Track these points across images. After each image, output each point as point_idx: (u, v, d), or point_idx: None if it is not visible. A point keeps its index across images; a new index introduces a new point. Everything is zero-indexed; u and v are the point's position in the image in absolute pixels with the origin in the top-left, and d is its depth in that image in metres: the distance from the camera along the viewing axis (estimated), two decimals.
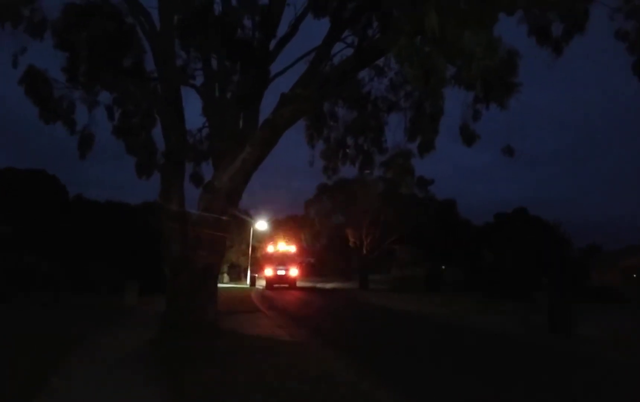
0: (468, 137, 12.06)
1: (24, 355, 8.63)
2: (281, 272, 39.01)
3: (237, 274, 51.67)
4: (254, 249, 50.00)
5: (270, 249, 42.52)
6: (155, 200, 14.74)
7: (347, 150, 15.21)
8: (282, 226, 54.22)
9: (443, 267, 42.96)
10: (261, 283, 42.00)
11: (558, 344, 12.28)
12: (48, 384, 6.74)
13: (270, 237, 50.62)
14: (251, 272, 45.60)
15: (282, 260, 39.99)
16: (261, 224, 50.09)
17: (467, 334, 14.23)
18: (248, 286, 41.46)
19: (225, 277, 48.20)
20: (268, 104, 11.84)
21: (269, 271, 39.61)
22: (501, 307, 22.20)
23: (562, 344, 12.27)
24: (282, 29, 12.39)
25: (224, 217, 11.10)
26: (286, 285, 38.59)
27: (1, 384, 6.78)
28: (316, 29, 12.72)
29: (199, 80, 13.97)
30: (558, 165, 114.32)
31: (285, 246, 42.09)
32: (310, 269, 59.29)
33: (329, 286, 44.47)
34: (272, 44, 12.29)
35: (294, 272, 39.57)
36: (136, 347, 9.74)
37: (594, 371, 9.59)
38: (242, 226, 47.07)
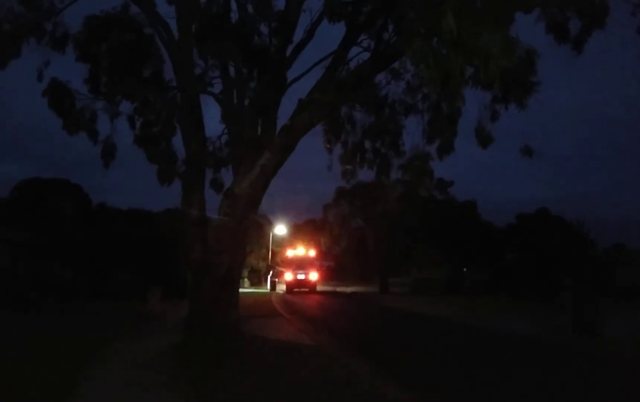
0: (483, 139, 11.96)
1: (53, 360, 8.84)
2: (301, 277, 39.11)
3: (257, 279, 51.94)
4: (273, 253, 50.19)
5: (289, 253, 42.68)
6: (176, 206, 14.94)
7: (365, 154, 15.19)
8: (301, 230, 54.33)
9: (464, 269, 42.51)
10: (281, 287, 42.15)
11: (584, 346, 12.08)
12: (75, 388, 6.88)
13: (289, 241, 50.79)
14: (271, 277, 45.78)
15: (301, 264, 40.09)
16: (280, 229, 50.28)
17: (493, 337, 14.07)
18: (268, 291, 41.64)
19: (246, 281, 48.48)
20: (286, 110, 11.93)
21: (288, 276, 39.74)
22: (526, 309, 21.91)
23: (588, 346, 12.06)
24: (298, 35, 12.48)
25: (244, 223, 11.20)
26: (306, 289, 38.65)
27: (31, 387, 6.96)
28: (332, 34, 12.77)
29: (217, 88, 14.13)
30: (581, 163, 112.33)
31: (304, 250, 42.18)
32: (330, 273, 59.27)
33: (349, 289, 44.39)
34: (289, 50, 12.36)
35: (313, 276, 39.65)
36: (160, 352, 9.88)
37: (624, 374, 9.42)
38: (262, 230, 47.33)
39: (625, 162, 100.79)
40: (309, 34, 12.51)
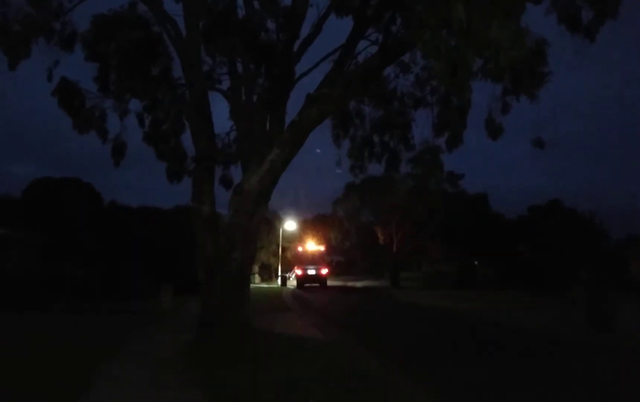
0: (494, 130, 11.83)
1: (68, 359, 8.92)
2: (311, 272, 39.23)
3: (268, 274, 52.15)
4: (284, 249, 50.32)
5: (300, 248, 42.83)
6: (186, 204, 15.00)
7: (374, 149, 15.12)
8: (311, 225, 54.43)
9: (476, 262, 42.32)
10: (292, 283, 42.29)
11: (601, 341, 11.94)
12: (91, 386, 6.93)
13: (299, 237, 50.90)
14: (282, 272, 45.93)
15: (312, 259, 40.18)
16: (290, 224, 50.40)
17: (511, 332, 13.89)
18: (279, 286, 41.77)
19: (257, 277, 48.71)
20: (294, 105, 11.90)
21: (299, 271, 39.92)
22: (540, 303, 21.74)
23: (604, 341, 11.92)
24: (305, 30, 12.43)
25: (254, 219, 11.21)
26: (317, 284, 38.77)
27: (48, 386, 7.03)
28: (340, 28, 12.71)
29: (225, 85, 14.14)
30: (593, 154, 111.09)
31: (314, 246, 42.29)
32: (341, 268, 59.31)
33: (359, 284, 44.39)
34: (296, 45, 12.32)
35: (324, 271, 39.76)
36: (174, 349, 9.93)
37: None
38: (272, 226, 47.47)
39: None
40: (317, 29, 12.45)
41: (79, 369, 8.04)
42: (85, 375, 7.46)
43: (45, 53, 12.55)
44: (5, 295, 18.04)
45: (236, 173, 15.66)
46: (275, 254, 50.43)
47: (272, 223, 46.81)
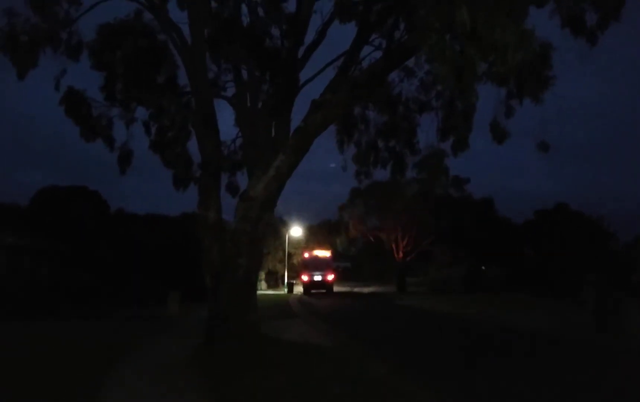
0: (499, 134, 11.81)
1: (77, 365, 8.96)
2: (318, 278, 39.17)
3: (274, 281, 52.08)
4: (290, 255, 50.25)
5: (306, 255, 42.78)
6: (193, 211, 15.06)
7: (379, 154, 15.13)
8: (317, 231, 54.36)
9: (483, 267, 42.11)
10: (299, 289, 42.23)
11: (610, 344, 11.87)
12: (99, 391, 6.96)
13: (305, 243, 50.83)
14: (288, 279, 45.83)
15: (318, 265, 40.13)
16: (296, 231, 50.36)
17: (520, 336, 13.82)
18: (286, 293, 41.70)
19: (263, 284, 48.65)
20: (299, 111, 11.94)
21: (305, 277, 39.87)
22: (548, 306, 21.59)
23: (613, 344, 11.84)
24: (309, 36, 12.49)
25: (260, 225, 11.22)
26: (323, 290, 38.68)
27: (58, 391, 7.06)
28: (344, 34, 12.76)
29: (231, 92, 14.23)
30: (600, 157, 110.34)
31: (320, 252, 42.22)
32: (347, 274, 59.15)
33: (366, 290, 44.23)
34: (301, 52, 12.37)
35: (330, 277, 39.71)
36: (181, 355, 9.95)
37: None
38: (278, 233, 47.45)
39: None
40: (321, 35, 12.51)
41: (87, 373, 8.09)
42: (93, 379, 7.51)
43: (53, 62, 12.70)
44: (16, 302, 18.14)
45: (242, 180, 15.74)
46: (282, 261, 50.37)
47: (278, 229, 46.81)
